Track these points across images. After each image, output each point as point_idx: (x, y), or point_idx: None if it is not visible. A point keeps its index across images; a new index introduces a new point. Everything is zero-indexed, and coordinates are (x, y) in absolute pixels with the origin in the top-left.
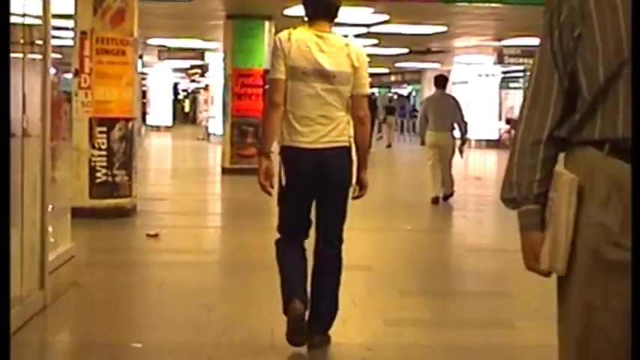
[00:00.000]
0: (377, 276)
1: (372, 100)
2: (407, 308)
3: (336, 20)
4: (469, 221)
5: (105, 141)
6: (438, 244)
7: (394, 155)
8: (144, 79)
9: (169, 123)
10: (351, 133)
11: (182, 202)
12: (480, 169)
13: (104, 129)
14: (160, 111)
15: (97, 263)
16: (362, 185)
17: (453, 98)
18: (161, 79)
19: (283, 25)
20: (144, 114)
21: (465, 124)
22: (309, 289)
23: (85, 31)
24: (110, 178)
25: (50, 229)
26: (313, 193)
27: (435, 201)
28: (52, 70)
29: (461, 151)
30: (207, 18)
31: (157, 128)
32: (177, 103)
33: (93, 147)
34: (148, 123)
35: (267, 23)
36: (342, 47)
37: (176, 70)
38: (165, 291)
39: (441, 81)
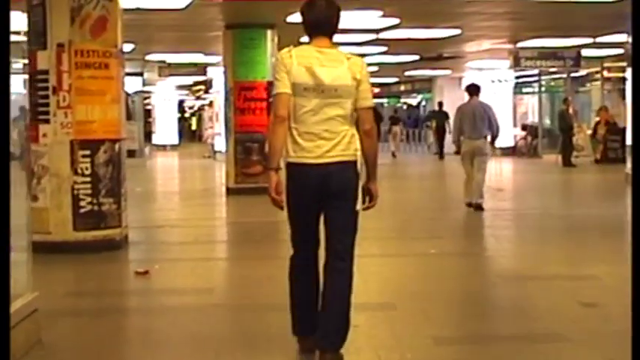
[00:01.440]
0: (403, 317)
1: (377, 111)
2: None
3: (342, 28)
4: (499, 241)
5: (89, 166)
6: (470, 270)
7: (403, 166)
8: (147, 97)
9: (176, 142)
10: (358, 146)
11: (181, 228)
12: (498, 180)
13: (87, 152)
14: (166, 130)
15: (70, 313)
16: (371, 196)
17: (486, 105)
18: (165, 97)
19: (287, 33)
20: (149, 133)
21: (498, 129)
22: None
23: (62, 43)
24: (96, 207)
25: None
26: (319, 208)
27: (469, 205)
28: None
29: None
30: (206, 29)
31: (163, 147)
32: (183, 121)
33: (75, 173)
34: (154, 142)
35: (269, 32)
36: (343, 61)
37: (180, 87)
38: (148, 346)
39: (473, 89)
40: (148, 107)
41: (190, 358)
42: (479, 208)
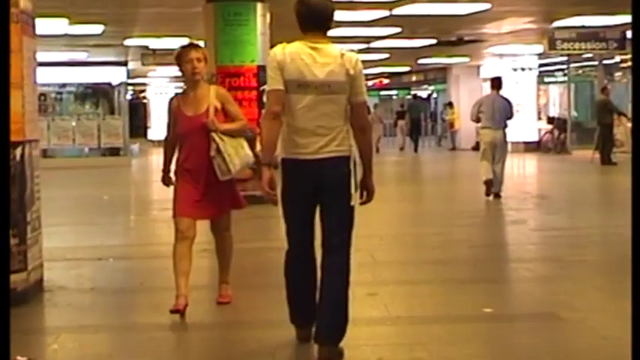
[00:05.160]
0: None
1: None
2: None
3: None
4: (578, 285)
5: None
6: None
7: (416, 164)
8: (143, 90)
9: None
10: (352, 142)
11: (130, 261)
12: (534, 183)
13: None
14: (162, 124)
15: None
16: (368, 191)
17: (507, 100)
18: (160, 90)
19: (278, 7)
20: (145, 128)
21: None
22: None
23: None
24: None
25: None
26: (314, 203)
27: (488, 182)
28: None
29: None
30: (185, 3)
31: (159, 143)
32: None
33: None
34: (150, 138)
35: (258, 6)
36: (337, 57)
37: (176, 78)
38: None
39: (497, 83)
40: (144, 101)
41: None
42: (497, 196)
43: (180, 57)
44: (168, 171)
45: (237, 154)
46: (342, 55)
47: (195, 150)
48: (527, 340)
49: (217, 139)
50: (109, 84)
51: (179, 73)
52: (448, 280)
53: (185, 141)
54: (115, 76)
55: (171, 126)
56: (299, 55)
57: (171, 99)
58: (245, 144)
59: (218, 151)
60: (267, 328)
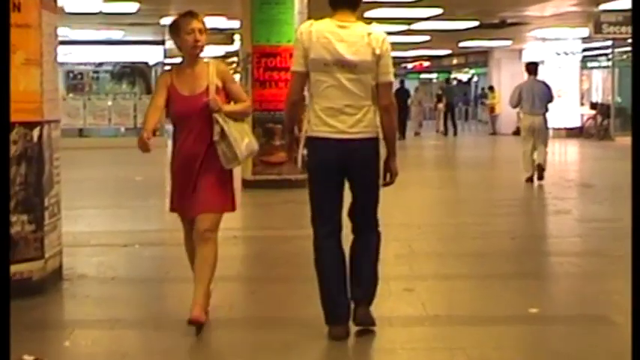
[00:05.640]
0: None
1: (404, 89)
2: None
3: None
4: (630, 286)
5: None
6: None
7: (455, 148)
8: None
9: None
10: (378, 123)
11: (157, 248)
12: (578, 171)
13: None
14: None
15: None
16: (391, 172)
17: (546, 84)
18: None
19: None
20: None
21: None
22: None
23: None
24: None
25: None
26: (341, 183)
27: (529, 180)
28: None
29: None
30: None
31: None
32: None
33: None
34: None
35: None
36: (363, 36)
37: (213, 59)
38: None
39: (533, 68)
40: None
41: None
42: (540, 169)
43: (178, 27)
44: (151, 129)
45: (242, 140)
46: (369, 34)
47: (192, 135)
48: (577, 347)
49: (221, 121)
50: (146, 63)
51: (216, 53)
52: (490, 276)
53: (181, 125)
54: (151, 55)
55: (157, 97)
56: (325, 33)
57: (163, 73)
58: (249, 129)
59: (223, 135)
60: (296, 327)
